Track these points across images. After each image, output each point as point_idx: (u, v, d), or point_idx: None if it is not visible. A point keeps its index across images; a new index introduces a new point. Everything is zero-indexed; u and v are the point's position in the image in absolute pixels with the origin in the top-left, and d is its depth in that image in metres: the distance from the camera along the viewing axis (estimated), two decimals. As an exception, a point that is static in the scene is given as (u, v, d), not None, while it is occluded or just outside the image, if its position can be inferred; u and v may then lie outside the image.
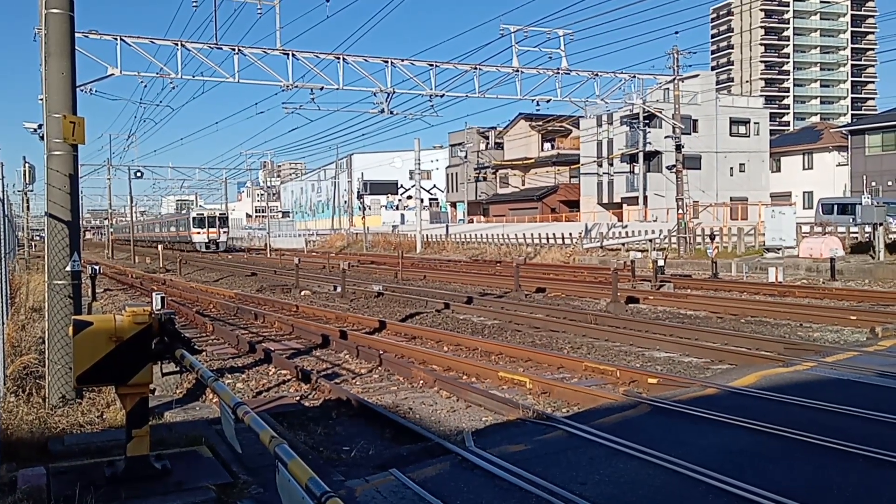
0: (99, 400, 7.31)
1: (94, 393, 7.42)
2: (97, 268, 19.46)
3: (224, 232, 64.59)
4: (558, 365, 10.23)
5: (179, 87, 29.20)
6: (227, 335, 13.75)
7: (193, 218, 64.26)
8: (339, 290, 21.49)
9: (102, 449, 5.76)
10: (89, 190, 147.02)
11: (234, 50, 26.12)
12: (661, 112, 39.17)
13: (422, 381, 9.39)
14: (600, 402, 7.70)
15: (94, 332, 4.80)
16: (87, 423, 6.73)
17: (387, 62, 28.17)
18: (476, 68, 29.06)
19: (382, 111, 29.86)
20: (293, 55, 26.72)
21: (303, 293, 22.14)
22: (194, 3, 25.66)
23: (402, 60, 28.47)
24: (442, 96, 29.58)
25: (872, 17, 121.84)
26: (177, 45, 25.57)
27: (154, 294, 10.72)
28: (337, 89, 27.65)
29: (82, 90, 24.82)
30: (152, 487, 4.86)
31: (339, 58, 27.45)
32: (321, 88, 27.72)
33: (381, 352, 11.24)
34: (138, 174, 58.83)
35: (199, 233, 63.15)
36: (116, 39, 25.00)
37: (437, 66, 28.72)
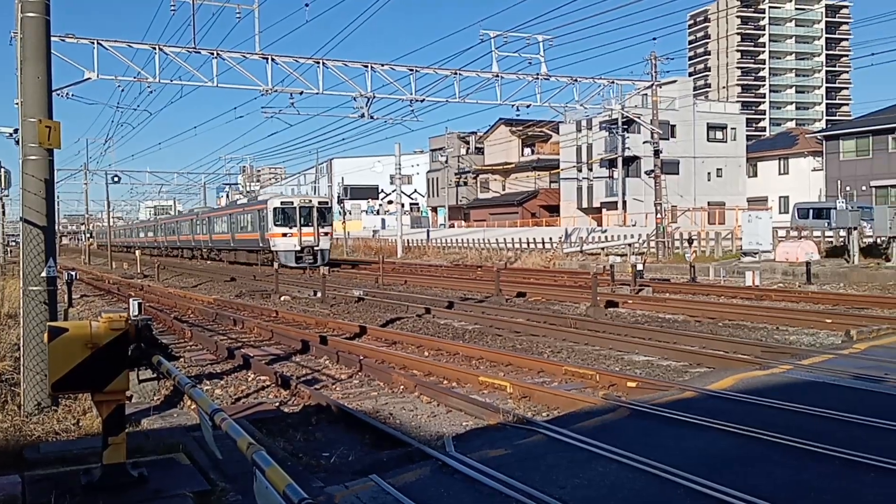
0: (75, 407, 7.23)
1: (70, 400, 7.33)
2: (74, 273, 19.26)
3: (326, 234, 38.57)
4: (539, 369, 10.26)
5: (157, 91, 29.11)
6: (205, 341, 13.65)
7: (275, 210, 37.36)
8: (319, 294, 21.41)
9: (79, 457, 5.69)
10: (66, 195, 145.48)
11: (212, 54, 25.98)
12: (639, 117, 39.46)
13: (402, 387, 9.38)
14: (580, 405, 7.73)
15: (70, 339, 4.75)
16: (63, 431, 6.65)
17: (367, 67, 28.16)
18: (456, 73, 29.12)
19: (363, 116, 29.84)
20: (272, 59, 26.64)
21: (282, 298, 22.03)
22: (172, 7, 25.50)
23: (383, 65, 28.47)
24: (422, 101, 29.62)
25: (847, 23, 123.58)
26: (154, 48, 25.39)
27: (131, 300, 10.63)
28: (317, 94, 27.60)
29: (59, 94, 24.59)
30: (129, 495, 4.81)
31: (318, 62, 27.40)
32: (301, 93, 27.66)
33: (362, 357, 11.20)
34: (115, 179, 58.12)
35: (283, 235, 37.24)
36: (93, 43, 24.78)
37: (417, 70, 28.74)
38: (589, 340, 12.70)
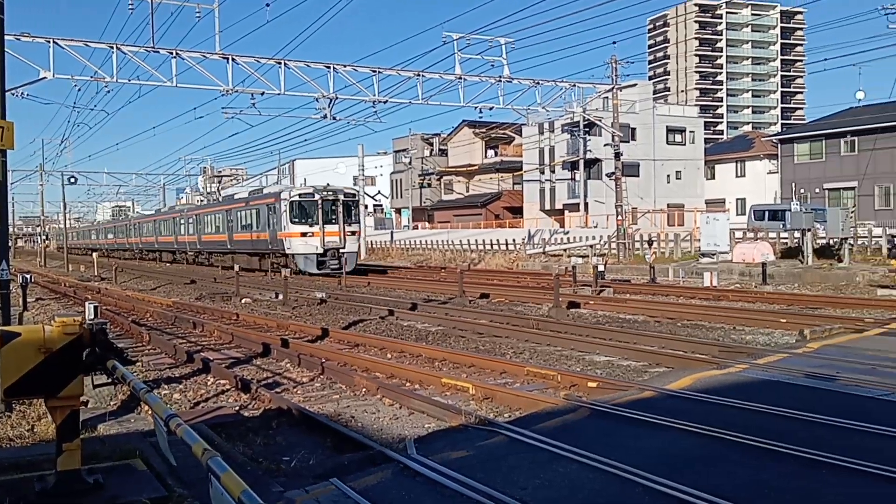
0: (30, 413, 7.07)
1: (25, 406, 7.17)
2: (28, 276, 18.83)
3: (354, 234, 32.09)
4: (501, 370, 10.30)
5: (115, 90, 28.44)
6: (164, 345, 13.44)
7: (292, 204, 30.80)
8: (280, 297, 21.23)
9: (33, 463, 5.57)
10: (21, 196, 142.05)
11: (171, 53, 25.61)
12: (600, 120, 39.86)
13: (364, 389, 9.34)
14: (541, 406, 7.78)
15: (22, 344, 4.64)
16: (17, 437, 6.51)
17: (329, 67, 28.01)
18: (419, 75, 29.12)
19: (325, 117, 29.66)
20: (233, 59, 26.35)
21: (243, 301, 21.79)
22: (130, 6, 25.09)
23: (345, 66, 28.36)
24: (385, 102, 29.55)
25: (801, 29, 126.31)
26: (112, 48, 24.95)
27: (87, 303, 10.42)
28: (278, 94, 27.38)
29: (13, 94, 24.02)
30: (84, 502, 4.72)
31: (280, 63, 27.18)
32: (262, 93, 27.41)
33: (324, 360, 11.14)
34: (72, 180, 56.88)
35: (302, 235, 30.57)
36: (49, 42, 24.27)
37: (380, 72, 28.68)
38: (551, 341, 12.79)
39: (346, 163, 78.06)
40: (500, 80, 30.00)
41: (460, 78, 29.34)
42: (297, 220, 30.71)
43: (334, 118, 29.69)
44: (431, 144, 74.40)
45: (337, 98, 28.49)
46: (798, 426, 6.52)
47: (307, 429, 7.58)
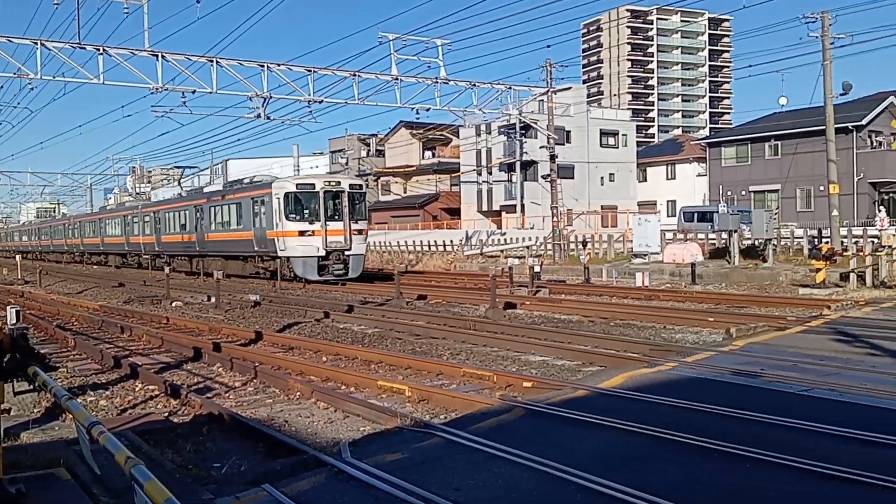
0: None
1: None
2: (-57, 280, 17.96)
3: (360, 232, 27.75)
4: (438, 371, 10.31)
5: (39, 88, 27.48)
6: (90, 350, 13.00)
7: (287, 196, 26.74)
8: (213, 300, 20.80)
9: (-53, 476, 5.31)
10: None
11: (98, 50, 24.80)
12: (536, 123, 40.33)
13: (299, 393, 9.22)
14: (477, 407, 7.81)
15: (-66, 351, 4.42)
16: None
17: (263, 66, 27.53)
18: (355, 75, 28.90)
19: (259, 116, 29.10)
20: (163, 57, 25.67)
21: (174, 304, 21.27)
22: (56, 2, 24.19)
23: (279, 65, 27.92)
24: (321, 102, 29.18)
25: (728, 36, 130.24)
26: (36, 43, 24.01)
27: (8, 308, 9.99)
28: (210, 93, 26.73)
29: (-74, 88, 22.88)
30: (1, 516, 4.52)
31: (212, 60, 26.58)
32: (193, 92, 26.72)
33: (257, 364, 10.95)
34: (-7, 179, 54.59)
35: (300, 234, 26.36)
36: (-34, 35, 23.20)
37: (315, 71, 28.33)
38: (488, 342, 12.87)
39: (281, 163, 77.01)
40: (437, 82, 30.02)
41: (397, 79, 29.24)
42: (293, 216, 26.31)
43: (268, 118, 29.16)
44: (368, 145, 74.05)
45: (271, 97, 27.99)
46: (726, 423, 6.70)
47: (239, 434, 7.43)
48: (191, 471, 5.99)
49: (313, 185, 26.83)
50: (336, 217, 26.50)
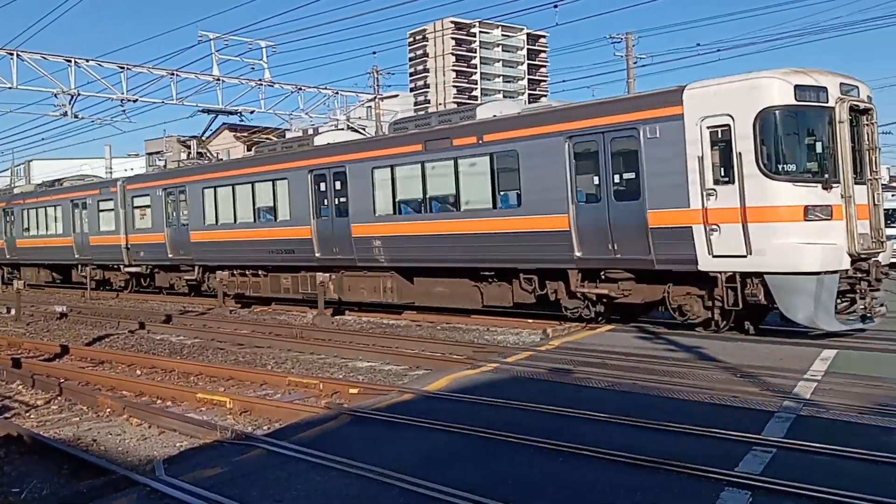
0: None
1: None
2: None
3: None
4: (262, 381, 10.07)
5: None
6: None
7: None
8: (13, 312, 19.04)
9: None
10: None
11: None
12: (363, 129, 40.37)
13: (109, 410, 8.66)
14: (302, 415, 7.71)
15: None
16: None
17: (70, 61, 25.58)
18: (174, 74, 27.59)
19: (65, 114, 27.03)
20: (-50, 45, 23.20)
21: (-36, 318, 19.24)
22: None
23: (88, 60, 26.09)
24: (135, 101, 27.60)
25: (545, 52, 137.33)
26: None
27: None
28: (10, 88, 24.49)
29: None
30: None
31: (12, 53, 24.36)
32: (-12, 85, 24.37)
33: (62, 380, 10.19)
34: None
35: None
36: None
37: (128, 68, 26.72)
38: (315, 349, 12.74)
39: (92, 165, 71.92)
40: (262, 84, 29.35)
41: (218, 79, 28.26)
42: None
43: (76, 116, 27.17)
44: (189, 147, 70.88)
45: (79, 95, 26.10)
46: (541, 419, 7.05)
47: (41, 457, 6.89)
48: (-18, 500, 5.47)
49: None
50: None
